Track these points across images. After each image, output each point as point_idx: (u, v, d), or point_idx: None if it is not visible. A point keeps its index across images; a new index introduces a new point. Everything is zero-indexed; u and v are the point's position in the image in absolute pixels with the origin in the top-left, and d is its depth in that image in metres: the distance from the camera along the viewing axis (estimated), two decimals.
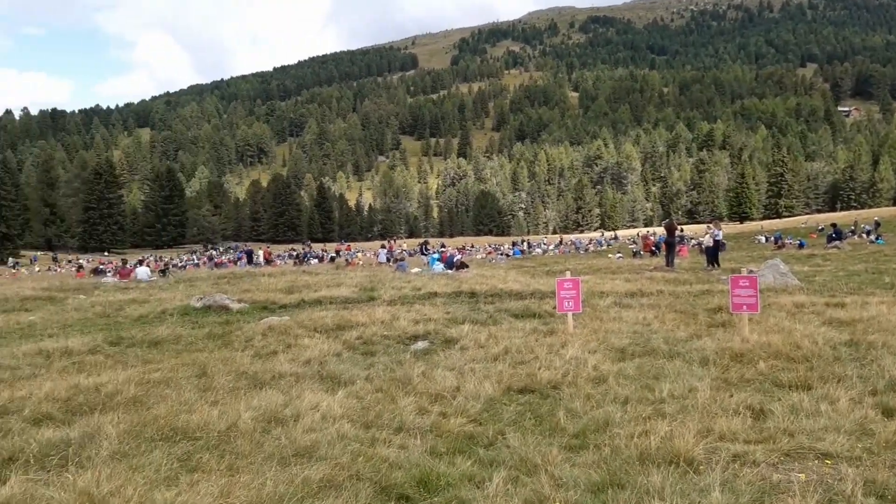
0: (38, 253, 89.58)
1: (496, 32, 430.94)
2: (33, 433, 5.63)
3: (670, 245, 24.71)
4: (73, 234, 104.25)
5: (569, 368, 7.57)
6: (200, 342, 10.78)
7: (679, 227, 42.62)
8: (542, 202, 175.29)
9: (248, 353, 9.52)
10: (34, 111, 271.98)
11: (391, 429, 5.85)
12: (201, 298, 15.30)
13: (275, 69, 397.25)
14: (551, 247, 64.64)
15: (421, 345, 9.70)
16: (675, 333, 9.49)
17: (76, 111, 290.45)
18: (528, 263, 32.96)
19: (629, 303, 13.03)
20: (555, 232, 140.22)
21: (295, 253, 64.20)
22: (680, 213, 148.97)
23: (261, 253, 47.57)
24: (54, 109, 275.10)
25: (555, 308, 11.14)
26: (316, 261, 50.12)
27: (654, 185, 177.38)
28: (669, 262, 23.56)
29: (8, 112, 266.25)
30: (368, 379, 7.67)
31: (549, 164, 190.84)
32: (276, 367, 8.35)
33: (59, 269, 66.58)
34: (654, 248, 38.17)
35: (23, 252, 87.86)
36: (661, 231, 44.99)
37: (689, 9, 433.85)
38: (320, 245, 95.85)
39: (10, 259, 79.32)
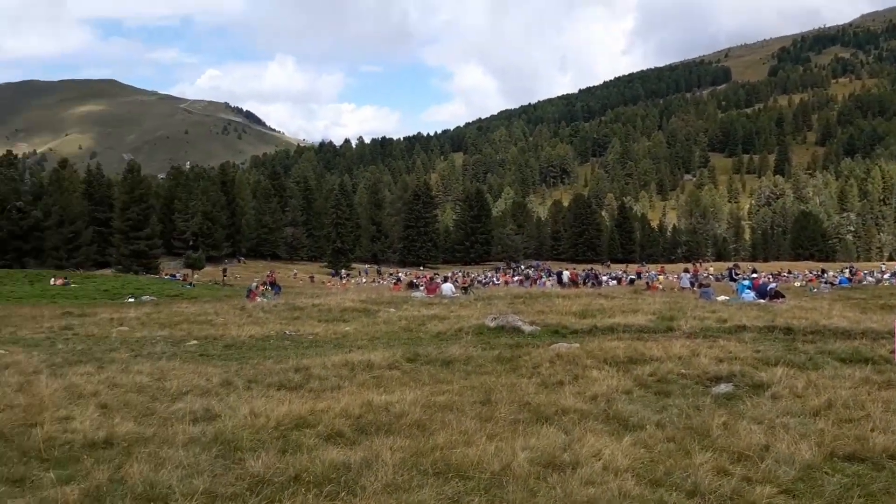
0: (366, 266, 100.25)
1: (822, 38, 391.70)
2: (321, 452, 5.79)
3: None
4: (394, 249, 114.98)
5: None
6: (489, 365, 10.73)
7: None
8: (876, 224, 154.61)
9: (533, 381, 9.20)
10: (367, 140, 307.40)
11: (683, 491, 5.05)
12: (495, 318, 15.45)
13: (580, 91, 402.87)
14: (887, 276, 56.31)
15: (723, 388, 8.58)
16: None
17: (401, 138, 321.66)
18: (857, 295, 28.69)
19: None
20: (891, 259, 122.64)
21: (592, 273, 63.68)
22: None
23: (567, 273, 47.93)
24: (383, 137, 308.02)
25: (892, 353, 9.26)
26: (614, 282, 49.12)
27: None
28: None
29: (346, 141, 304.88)
30: (660, 425, 6.86)
31: (884, 182, 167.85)
32: (560, 400, 7.90)
33: (381, 282, 73.52)
34: None
35: (353, 265, 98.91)
36: None
37: None
38: (620, 266, 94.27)
39: (343, 271, 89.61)
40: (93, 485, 5.05)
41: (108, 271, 66.74)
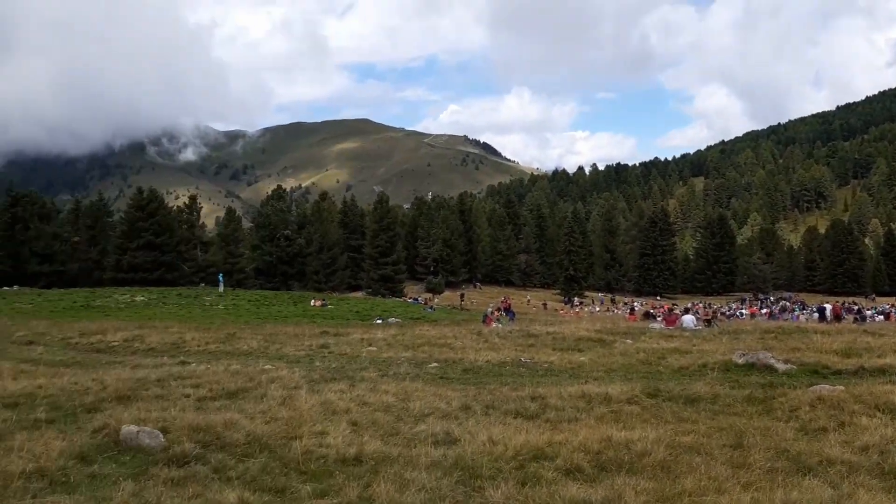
0: (600, 294, 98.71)
1: None
2: (560, 487, 5.65)
3: None
4: (629, 277, 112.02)
5: None
6: (738, 405, 9.92)
7: None
8: None
9: (791, 426, 8.33)
10: (601, 166, 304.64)
11: None
12: (744, 354, 14.32)
13: (838, 108, 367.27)
14: None
15: None
16: None
17: (637, 164, 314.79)
18: None
19: None
20: None
21: (856, 308, 57.30)
22: None
23: (828, 307, 43.75)
24: (618, 164, 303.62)
25: None
26: (881, 318, 43.79)
27: None
28: None
29: (580, 169, 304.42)
30: None
31: None
32: (823, 449, 7.06)
33: (615, 311, 71.88)
34: None
35: (586, 293, 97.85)
36: None
37: None
38: (888, 299, 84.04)
39: (576, 298, 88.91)
40: (344, 500, 5.33)
41: (359, 294, 72.20)
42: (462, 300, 72.10)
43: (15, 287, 52.93)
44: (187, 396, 10.13)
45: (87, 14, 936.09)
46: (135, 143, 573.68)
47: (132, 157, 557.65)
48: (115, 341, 21.71)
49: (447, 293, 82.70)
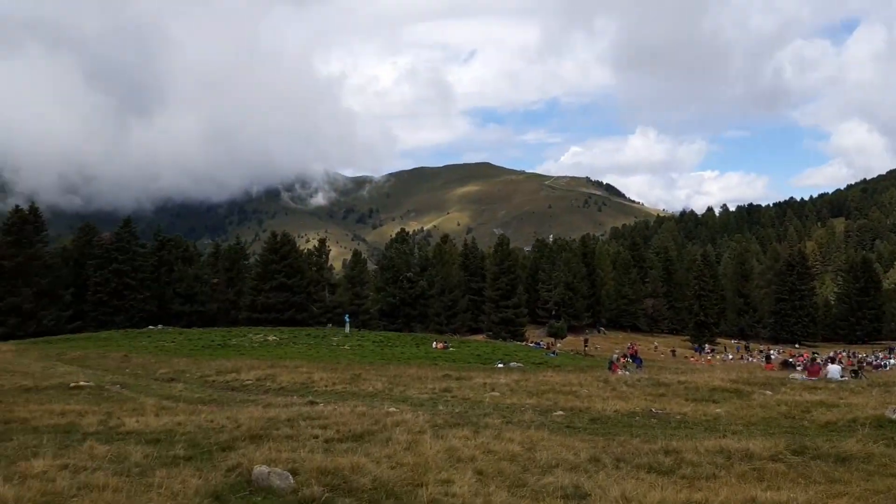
0: (734, 341, 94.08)
1: None
2: None
3: None
4: (764, 324, 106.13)
5: None
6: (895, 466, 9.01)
7: None
8: None
9: None
10: (732, 207, 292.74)
11: None
12: None
13: None
14: None
15: None
16: None
17: (770, 205, 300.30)
18: None
19: None
20: None
21: None
22: None
23: None
24: (750, 204, 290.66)
25: None
26: None
27: None
28: None
29: (709, 210, 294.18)
30: None
31: None
32: None
33: (750, 359, 68.23)
34: None
35: (718, 339, 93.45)
36: None
37: None
38: None
39: (707, 345, 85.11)
40: None
41: (480, 336, 72.21)
42: (586, 345, 70.64)
43: (160, 326, 56.49)
44: (315, 437, 10.32)
45: (230, 71, 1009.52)
46: (270, 189, 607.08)
47: (267, 203, 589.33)
48: (248, 380, 22.62)
49: (570, 338, 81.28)
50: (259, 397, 18.48)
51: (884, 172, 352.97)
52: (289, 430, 10.87)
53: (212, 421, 12.06)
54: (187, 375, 24.67)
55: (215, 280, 73.60)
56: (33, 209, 64.38)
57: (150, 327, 55.19)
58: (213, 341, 43.86)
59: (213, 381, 23.19)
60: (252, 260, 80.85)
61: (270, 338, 46.24)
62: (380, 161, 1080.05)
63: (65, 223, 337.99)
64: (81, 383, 20.19)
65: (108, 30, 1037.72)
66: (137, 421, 12.14)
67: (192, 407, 15.67)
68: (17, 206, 64.21)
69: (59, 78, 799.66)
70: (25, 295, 57.22)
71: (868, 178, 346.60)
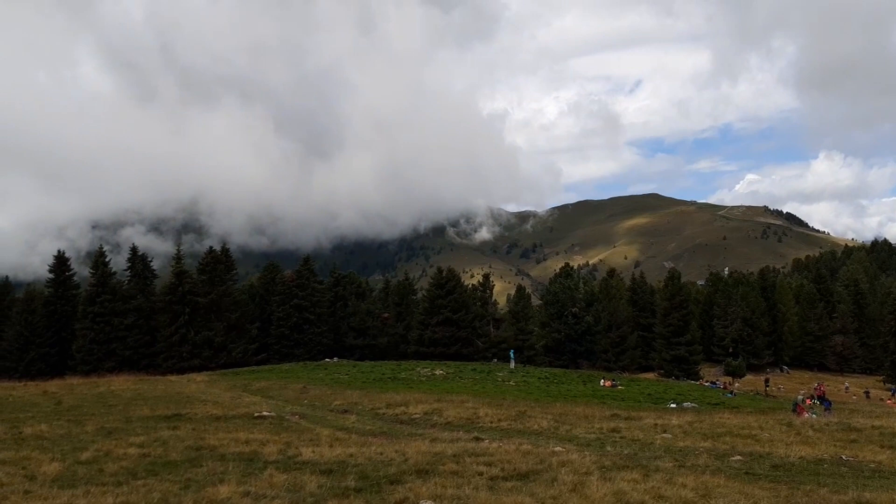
0: None
1: None
2: None
3: None
4: None
5: None
6: None
7: None
8: None
9: None
10: None
11: None
12: None
13: None
14: None
15: None
16: None
17: None
18: None
19: None
20: None
21: None
22: None
23: None
24: None
25: None
26: None
27: None
28: None
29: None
30: None
31: None
32: None
33: None
34: None
35: None
36: None
37: None
38: None
39: None
40: None
41: (650, 375, 69.58)
42: (767, 385, 66.00)
43: (335, 359, 59.31)
44: (480, 474, 10.36)
45: (400, 114, 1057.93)
46: (437, 226, 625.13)
47: (433, 239, 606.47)
48: (416, 413, 23.14)
49: (749, 377, 76.35)
50: (426, 431, 18.84)
51: None
52: (454, 466, 10.99)
53: (381, 454, 12.45)
54: (359, 407, 25.64)
55: (385, 314, 76.32)
56: (224, 249, 70.17)
57: (327, 360, 58.05)
58: (383, 374, 45.33)
59: (383, 413, 23.93)
60: (419, 295, 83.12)
61: (437, 372, 47.14)
62: (543, 195, 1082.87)
63: (252, 262, 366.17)
64: (264, 413, 21.53)
65: (292, 81, 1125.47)
66: (313, 451, 12.77)
67: (363, 439, 16.26)
68: (210, 248, 70.30)
69: (248, 128, 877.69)
70: (217, 329, 62.15)
71: None
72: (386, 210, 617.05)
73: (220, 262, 66.96)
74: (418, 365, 51.88)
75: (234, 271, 70.10)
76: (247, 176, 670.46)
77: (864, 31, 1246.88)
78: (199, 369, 53.49)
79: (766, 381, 69.84)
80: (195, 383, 37.03)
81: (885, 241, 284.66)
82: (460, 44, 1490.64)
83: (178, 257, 66.44)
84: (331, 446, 13.87)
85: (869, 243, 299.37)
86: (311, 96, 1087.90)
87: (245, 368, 51.89)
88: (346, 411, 24.65)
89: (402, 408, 24.63)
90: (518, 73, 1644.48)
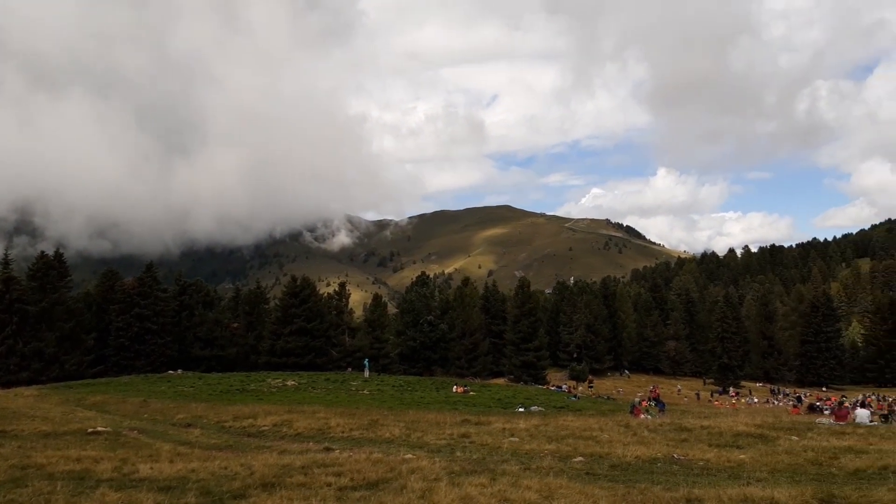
0: (759, 384, 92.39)
1: None
2: None
3: None
4: (789, 367, 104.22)
5: None
6: None
7: None
8: None
9: None
10: (754, 248, 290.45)
11: None
12: None
13: None
14: None
15: None
16: None
17: (793, 245, 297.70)
18: None
19: None
20: None
21: None
22: None
23: None
24: (772, 245, 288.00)
25: None
26: None
27: None
28: None
29: (731, 251, 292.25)
30: None
31: None
32: None
33: (776, 403, 66.93)
34: None
35: (742, 382, 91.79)
36: None
37: None
38: None
39: (731, 388, 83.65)
40: None
41: (501, 380, 71.51)
42: (591, 386, 71.17)
43: (179, 371, 56.54)
44: (329, 485, 10.17)
45: (263, 111, 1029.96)
46: (293, 231, 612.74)
47: (289, 245, 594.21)
48: (265, 426, 22.47)
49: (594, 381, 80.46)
50: (274, 443, 18.33)
51: None
52: (302, 478, 10.73)
53: (226, 468, 11.96)
54: (204, 421, 24.57)
55: (235, 324, 73.78)
56: (58, 254, 65.11)
57: (170, 372, 55.26)
58: (231, 386, 43.73)
59: (230, 426, 23.06)
60: (272, 304, 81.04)
61: (289, 382, 46.06)
62: (402, 205, 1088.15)
63: (91, 268, 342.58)
64: (99, 429, 20.15)
65: (152, 73, 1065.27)
66: (151, 468, 12.06)
67: (206, 453, 15.57)
68: (42, 252, 65.02)
69: (101, 122, 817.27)
70: (48, 340, 57.56)
71: (893, 218, 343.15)
72: (242, 214, 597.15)
73: (52, 267, 62.11)
74: (269, 376, 50.47)
75: (69, 278, 65.13)
76: (94, 173, 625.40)
77: (705, 52, 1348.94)
78: (28, 383, 49.33)
79: (590, 381, 75.11)
80: (23, 398, 34.18)
81: (714, 253, 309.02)
82: (326, 46, 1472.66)
83: (5, 262, 60.83)
84: (171, 462, 13.15)
85: (699, 255, 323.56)
86: (172, 89, 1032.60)
87: (79, 382, 48.34)
88: (189, 425, 23.53)
89: (251, 420, 23.84)
90: (382, 81, 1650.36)
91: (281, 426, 22.15)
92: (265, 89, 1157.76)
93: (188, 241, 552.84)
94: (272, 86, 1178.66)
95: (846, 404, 37.41)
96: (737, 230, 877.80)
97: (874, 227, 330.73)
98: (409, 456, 13.35)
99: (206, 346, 67.83)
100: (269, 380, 47.41)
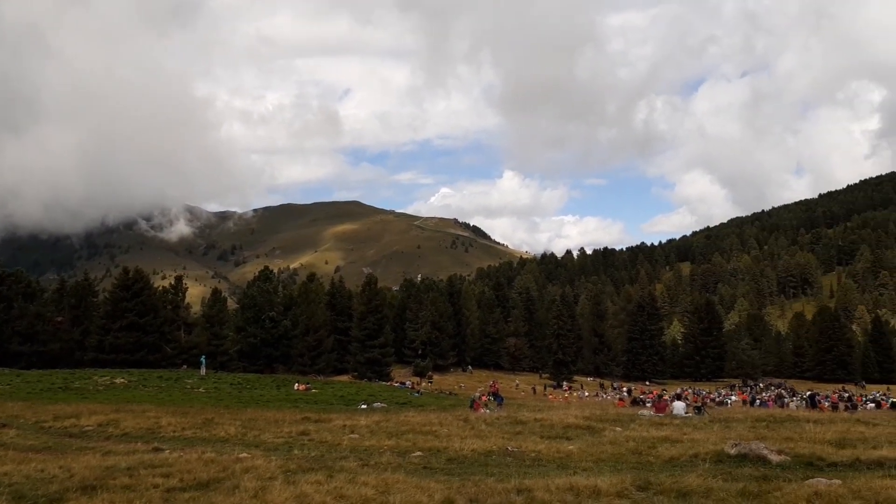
0: (589, 379, 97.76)
1: None
2: None
3: None
4: (618, 362, 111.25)
5: None
6: (733, 499, 9.53)
7: None
8: None
9: None
10: (589, 251, 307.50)
11: None
12: (736, 444, 13.93)
13: (820, 196, 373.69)
14: None
15: None
16: None
17: (624, 249, 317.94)
18: None
19: None
20: None
21: (847, 395, 56.87)
22: None
23: (820, 395, 43.68)
24: (605, 248, 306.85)
25: None
26: (872, 405, 43.43)
27: None
28: None
29: (568, 252, 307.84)
30: None
31: None
32: None
33: (605, 396, 71.03)
34: None
35: (575, 377, 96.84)
36: None
37: None
38: (878, 387, 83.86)
39: (565, 383, 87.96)
40: None
41: (345, 377, 71.07)
42: (430, 381, 73.21)
43: None
44: (156, 487, 9.70)
45: (103, 90, 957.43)
46: (128, 220, 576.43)
47: (123, 234, 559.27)
48: (89, 426, 21.05)
49: (436, 377, 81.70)
50: (99, 444, 17.19)
51: (725, 221, 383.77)
52: (127, 480, 10.15)
53: (42, 470, 11.12)
54: (21, 421, 22.61)
55: (59, 318, 68.48)
56: None
57: None
58: (53, 384, 40.60)
59: (50, 426, 21.39)
60: (101, 297, 75.96)
61: (118, 380, 43.39)
62: (247, 196, 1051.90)
63: None
64: None
65: None
66: None
67: (22, 455, 14.35)
68: None
69: None
70: None
71: (711, 226, 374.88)
72: (72, 199, 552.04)
73: None
74: (96, 373, 47.31)
75: None
76: None
77: (554, 60, 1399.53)
78: None
79: (429, 377, 77.17)
80: None
81: (553, 254, 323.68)
82: (173, 24, 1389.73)
83: None
84: None
85: (540, 256, 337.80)
86: (1, 59, 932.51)
87: None
88: (4, 425, 21.54)
89: (73, 420, 22.23)
90: (233, 67, 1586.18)
91: (107, 426, 20.81)
92: (105, 66, 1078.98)
93: (10, 227, 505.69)
94: (112, 63, 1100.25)
95: (665, 397, 40.36)
96: (574, 233, 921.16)
97: (694, 233, 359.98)
98: (244, 455, 12.98)
99: (25, 342, 62.53)
100: (96, 377, 44.45)
